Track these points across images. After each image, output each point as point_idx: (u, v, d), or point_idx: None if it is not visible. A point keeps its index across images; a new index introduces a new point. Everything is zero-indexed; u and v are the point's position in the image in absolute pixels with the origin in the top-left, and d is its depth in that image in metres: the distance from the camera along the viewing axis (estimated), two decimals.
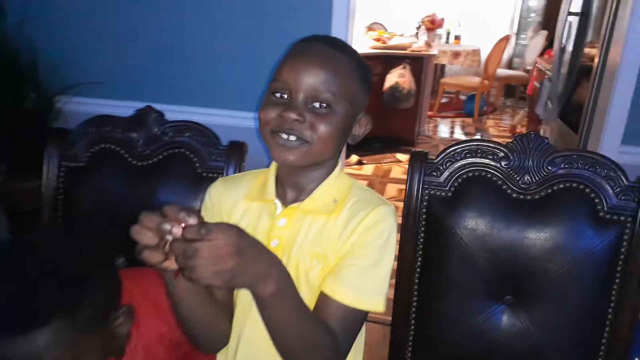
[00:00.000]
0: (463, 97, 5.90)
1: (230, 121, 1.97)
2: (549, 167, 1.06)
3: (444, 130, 5.19)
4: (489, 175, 1.08)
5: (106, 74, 2.08)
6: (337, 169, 0.88)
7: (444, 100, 5.82)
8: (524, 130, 4.54)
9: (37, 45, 2.08)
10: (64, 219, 1.28)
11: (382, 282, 0.81)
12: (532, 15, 6.64)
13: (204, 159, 1.22)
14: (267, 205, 0.87)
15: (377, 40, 4.44)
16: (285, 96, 0.78)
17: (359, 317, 0.81)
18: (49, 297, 0.65)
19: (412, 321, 1.14)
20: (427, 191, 1.11)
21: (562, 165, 1.05)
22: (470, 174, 1.09)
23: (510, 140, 1.08)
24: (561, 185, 1.05)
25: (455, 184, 1.10)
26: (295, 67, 0.78)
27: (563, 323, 1.06)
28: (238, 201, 0.90)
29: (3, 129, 2.13)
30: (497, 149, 1.08)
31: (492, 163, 1.08)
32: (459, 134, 5.09)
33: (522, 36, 6.78)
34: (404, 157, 4.19)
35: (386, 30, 5.71)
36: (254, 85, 2.00)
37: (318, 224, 0.83)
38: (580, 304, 1.06)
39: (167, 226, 0.58)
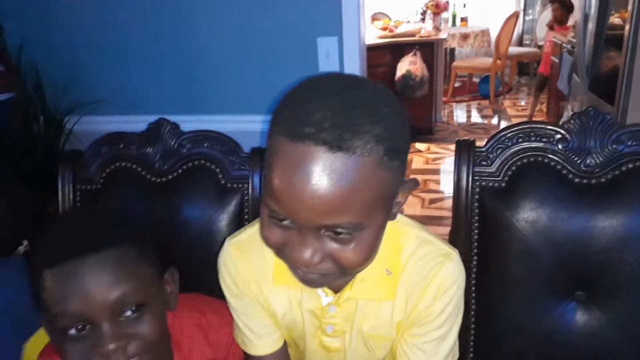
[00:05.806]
0: (476, 80, 5.76)
1: (246, 126, 1.87)
2: (614, 146, 0.94)
3: (461, 115, 5.06)
4: (546, 161, 0.96)
5: (113, 90, 2.01)
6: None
7: (457, 85, 5.68)
8: (544, 108, 4.37)
9: (39, 67, 2.01)
10: None
11: (450, 349, 0.77)
12: None
13: (226, 169, 1.13)
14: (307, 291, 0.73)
15: (384, 29, 4.32)
16: (287, 221, 0.57)
17: None
18: (120, 227, 0.73)
19: (472, 330, 1.04)
20: (477, 183, 1.00)
21: (629, 143, 0.93)
22: (524, 160, 0.97)
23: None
24: (630, 165, 0.93)
25: (509, 173, 0.98)
26: (289, 190, 0.53)
27: None
28: (267, 284, 0.75)
29: (14, 155, 2.07)
30: (553, 130, 0.96)
31: (549, 147, 0.96)
32: (476, 118, 4.95)
33: (529, 11, 6.59)
34: (423, 146, 4.08)
35: (390, 18, 5.59)
36: (264, 86, 1.91)
37: (373, 303, 0.74)
38: None
39: None
